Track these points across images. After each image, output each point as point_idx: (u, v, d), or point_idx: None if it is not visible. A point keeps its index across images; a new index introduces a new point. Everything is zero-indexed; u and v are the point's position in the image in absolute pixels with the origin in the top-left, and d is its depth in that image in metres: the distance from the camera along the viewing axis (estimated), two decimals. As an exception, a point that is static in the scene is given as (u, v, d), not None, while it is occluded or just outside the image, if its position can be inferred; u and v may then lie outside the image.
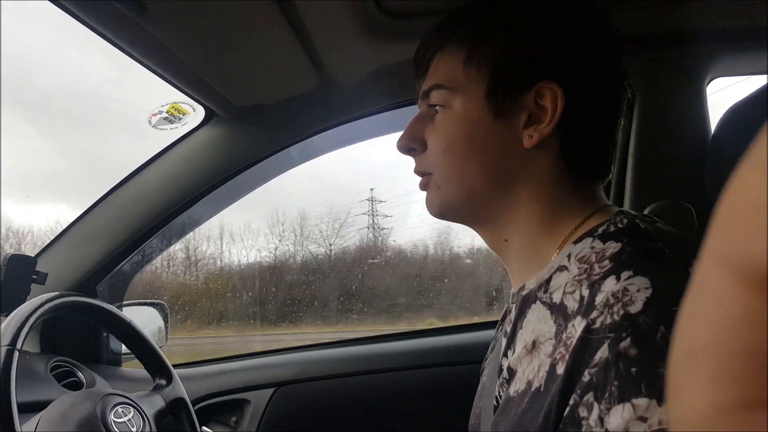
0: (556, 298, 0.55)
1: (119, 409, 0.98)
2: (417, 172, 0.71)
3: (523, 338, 0.59)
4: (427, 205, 0.71)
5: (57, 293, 0.99)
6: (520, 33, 0.63)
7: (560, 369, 0.49)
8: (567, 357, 0.48)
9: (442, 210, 0.69)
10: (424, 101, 0.69)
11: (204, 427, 1.16)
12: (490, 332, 0.83)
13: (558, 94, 0.60)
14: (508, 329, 0.64)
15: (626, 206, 1.07)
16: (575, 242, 0.58)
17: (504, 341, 0.64)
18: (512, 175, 0.64)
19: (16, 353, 0.86)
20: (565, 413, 0.47)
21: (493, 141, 0.63)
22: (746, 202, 0.19)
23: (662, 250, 0.52)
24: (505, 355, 0.62)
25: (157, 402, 1.08)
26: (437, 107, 0.67)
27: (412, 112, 1.16)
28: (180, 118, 1.14)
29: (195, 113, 1.15)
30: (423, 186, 0.70)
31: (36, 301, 0.94)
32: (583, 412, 0.45)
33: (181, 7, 0.81)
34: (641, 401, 0.41)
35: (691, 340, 0.22)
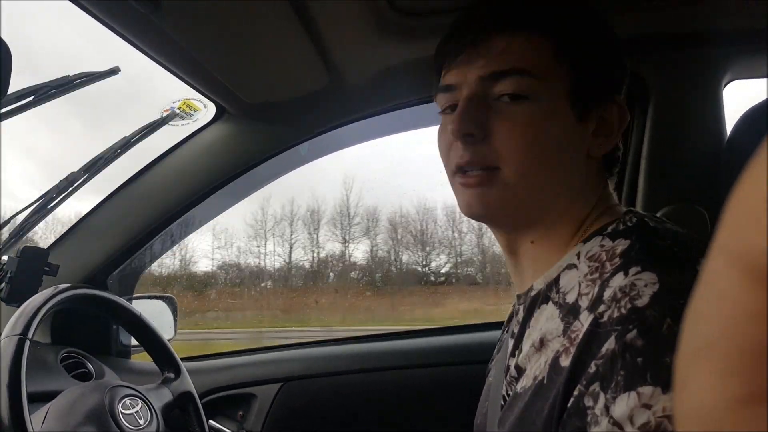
0: (570, 298, 0.55)
1: (127, 400, 0.99)
2: (475, 162, 0.61)
3: (531, 337, 0.59)
4: (475, 201, 0.62)
5: (68, 285, 1.00)
6: (605, 38, 0.64)
7: (564, 362, 0.50)
8: (572, 350, 0.49)
9: (497, 209, 0.62)
10: (487, 83, 0.60)
11: (210, 421, 1.17)
12: (497, 333, 0.83)
13: (624, 109, 0.62)
14: (516, 330, 0.64)
15: (638, 209, 1.06)
16: (584, 241, 0.59)
17: (511, 342, 0.64)
18: (574, 181, 0.62)
19: (28, 343, 0.87)
20: (570, 403, 0.48)
21: (572, 145, 0.61)
22: (757, 198, 0.19)
23: (670, 247, 0.52)
24: (513, 354, 0.62)
25: (165, 395, 1.08)
26: (505, 96, 0.59)
27: (423, 111, 1.17)
28: (191, 115, 1.15)
29: (206, 110, 1.16)
30: (480, 182, 0.61)
31: (48, 292, 0.95)
32: (588, 401, 0.46)
33: (195, 5, 0.82)
34: (646, 389, 0.42)
35: (699, 334, 0.23)
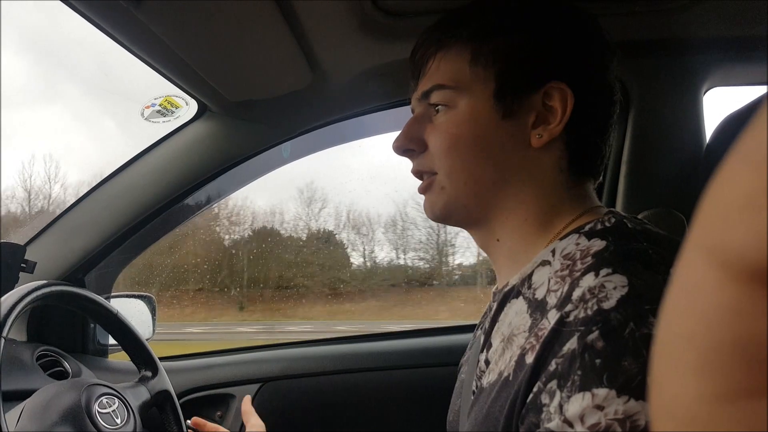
0: (539, 294, 0.56)
1: (104, 399, 0.97)
2: (416, 172, 0.70)
3: (500, 331, 0.60)
4: (427, 208, 0.69)
5: (44, 282, 0.98)
6: (528, 32, 0.63)
7: (529, 359, 0.50)
8: (537, 347, 0.50)
9: (445, 212, 0.68)
10: (423, 101, 0.68)
11: (188, 421, 1.16)
12: (475, 334, 0.83)
13: (568, 94, 0.61)
14: (488, 325, 0.65)
15: (618, 213, 1.07)
16: (561, 239, 0.59)
17: (483, 337, 0.65)
18: (517, 174, 0.64)
19: (2, 341, 0.86)
20: (528, 399, 0.48)
21: (500, 140, 0.63)
22: (732, 193, 0.19)
23: (645, 250, 0.52)
24: (483, 350, 0.63)
25: (142, 394, 1.07)
26: (438, 107, 0.66)
27: (405, 112, 1.17)
28: (173, 112, 1.14)
29: (188, 107, 1.15)
30: (424, 189, 0.69)
31: (23, 289, 0.94)
32: (545, 399, 0.47)
33: (177, 1, 0.81)
34: (601, 391, 0.43)
35: (674, 331, 0.22)
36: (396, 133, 0.70)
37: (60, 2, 0.78)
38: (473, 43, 0.64)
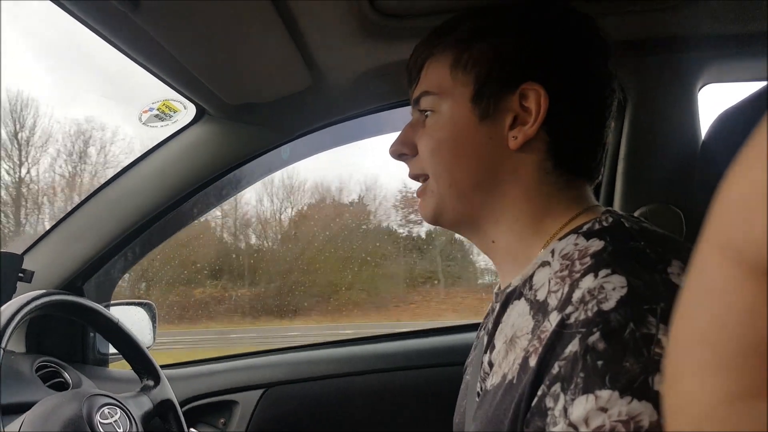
0: (541, 295, 0.56)
1: (106, 410, 0.96)
2: (412, 175, 0.73)
3: (503, 333, 0.60)
4: (420, 210, 0.72)
5: (43, 291, 0.97)
6: (503, 37, 0.64)
7: (532, 362, 0.51)
8: (540, 350, 0.50)
9: (435, 214, 0.70)
10: (416, 108, 0.71)
11: (192, 429, 1.15)
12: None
13: (542, 94, 0.62)
14: (491, 326, 0.65)
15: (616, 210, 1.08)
16: (560, 239, 0.59)
17: (486, 338, 0.65)
18: (499, 175, 0.65)
19: (1, 352, 0.84)
20: (533, 403, 0.49)
21: (479, 142, 0.65)
22: (749, 189, 0.19)
23: (643, 249, 0.52)
24: (486, 351, 0.63)
25: (145, 403, 1.06)
26: (427, 113, 0.69)
27: (403, 113, 1.18)
28: (171, 116, 1.13)
29: (186, 111, 1.15)
30: (420, 193, 0.72)
31: (21, 299, 0.93)
32: (549, 402, 0.47)
33: (175, 4, 0.80)
34: (604, 393, 0.43)
35: (689, 330, 0.22)
36: (396, 134, 0.73)
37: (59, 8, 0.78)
38: (455, 50, 0.66)
